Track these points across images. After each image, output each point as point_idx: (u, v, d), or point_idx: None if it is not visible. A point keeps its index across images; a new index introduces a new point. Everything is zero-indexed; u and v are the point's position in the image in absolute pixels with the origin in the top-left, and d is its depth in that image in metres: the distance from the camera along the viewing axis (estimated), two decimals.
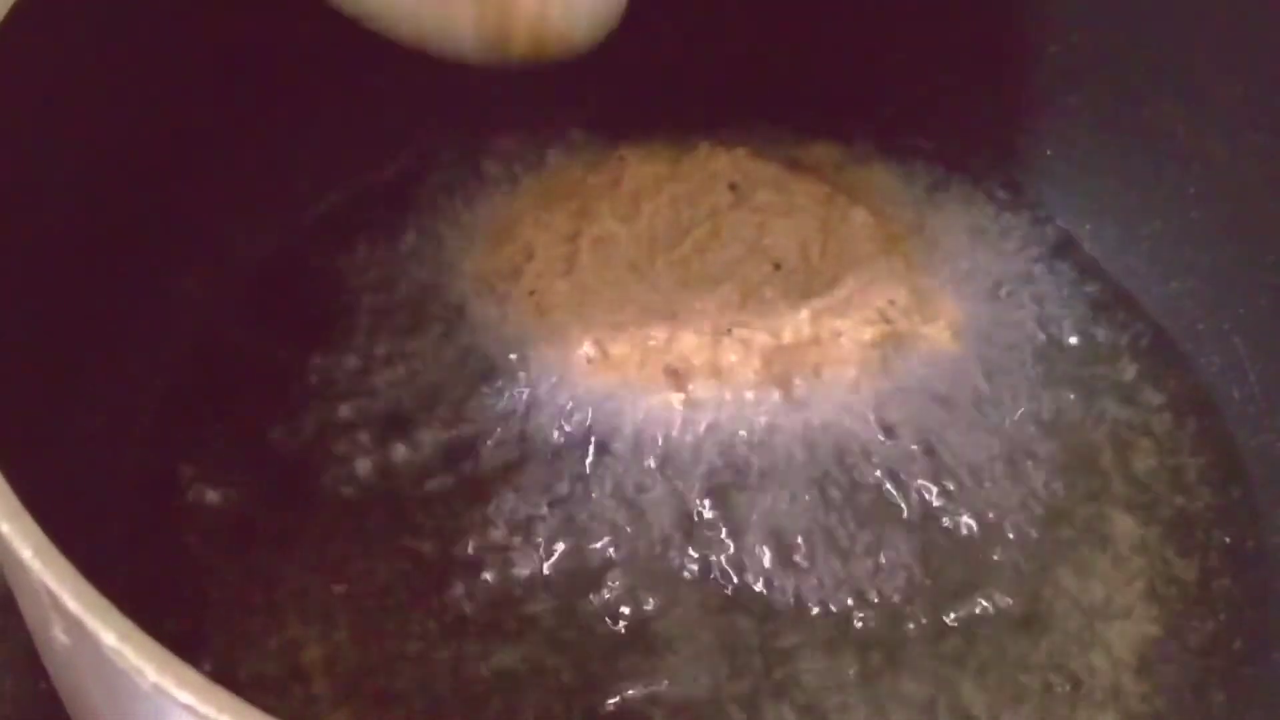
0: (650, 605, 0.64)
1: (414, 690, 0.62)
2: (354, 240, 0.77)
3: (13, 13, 0.55)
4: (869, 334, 0.72)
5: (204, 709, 0.39)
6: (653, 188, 0.76)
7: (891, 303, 0.73)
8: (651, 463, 0.68)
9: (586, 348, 0.70)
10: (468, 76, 0.73)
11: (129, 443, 0.68)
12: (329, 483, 0.68)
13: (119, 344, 0.68)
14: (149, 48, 0.66)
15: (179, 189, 0.68)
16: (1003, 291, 0.77)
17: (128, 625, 0.40)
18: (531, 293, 0.73)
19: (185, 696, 0.39)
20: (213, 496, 0.68)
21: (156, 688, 0.39)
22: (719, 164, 0.78)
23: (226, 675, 0.61)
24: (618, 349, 0.70)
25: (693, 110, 0.83)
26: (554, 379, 0.70)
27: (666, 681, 0.62)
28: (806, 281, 0.74)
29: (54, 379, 0.61)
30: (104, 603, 0.41)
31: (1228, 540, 0.69)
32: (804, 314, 0.72)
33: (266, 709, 0.62)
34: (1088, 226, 0.79)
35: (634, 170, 0.78)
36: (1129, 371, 0.75)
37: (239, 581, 0.65)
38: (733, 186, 0.78)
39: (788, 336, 0.71)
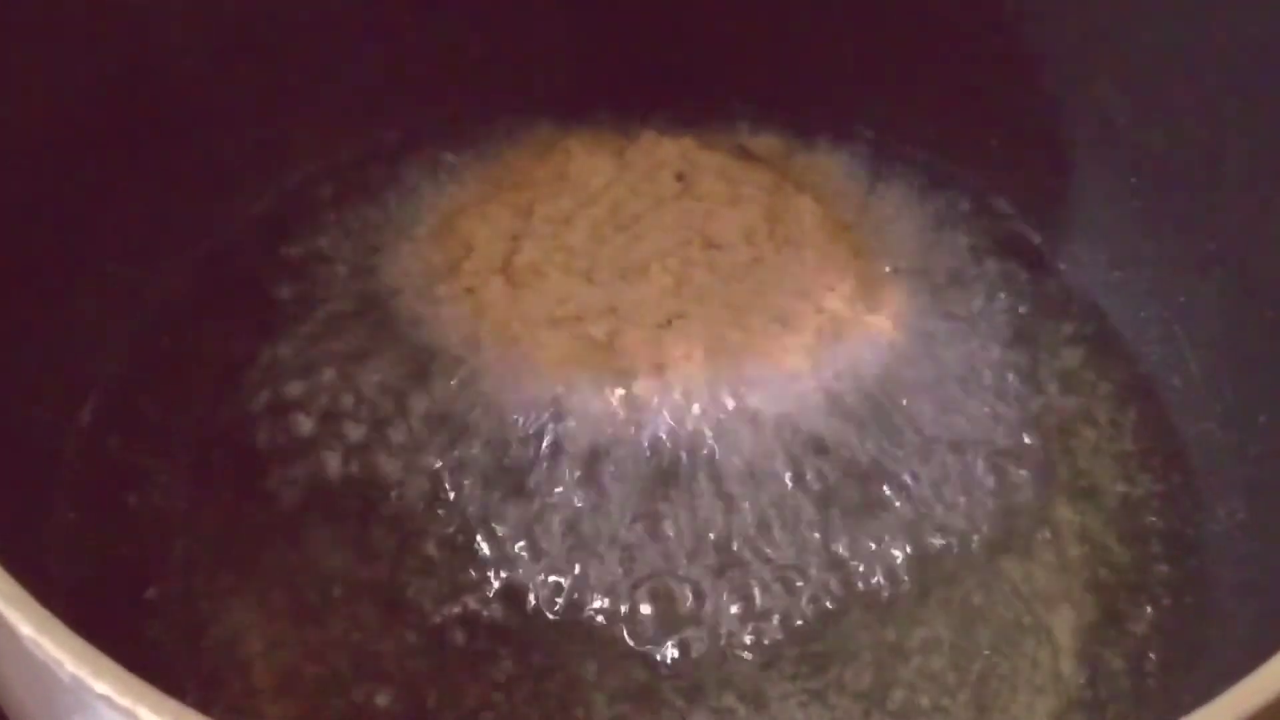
0: (596, 602, 0.65)
1: (355, 681, 0.62)
2: (292, 235, 0.77)
3: None
4: (812, 324, 0.72)
5: (121, 700, 0.39)
6: (598, 179, 0.76)
7: (833, 290, 0.73)
8: (595, 461, 0.68)
9: (525, 346, 0.70)
10: (409, 67, 0.74)
11: (69, 434, 0.68)
12: (271, 475, 0.68)
13: (59, 334, 0.67)
14: (91, 33, 0.66)
15: (117, 181, 0.68)
16: (947, 280, 0.77)
17: (45, 616, 0.40)
18: (469, 290, 0.73)
19: (102, 687, 0.39)
20: (153, 487, 0.67)
21: (75, 679, 0.39)
22: (665, 153, 0.78)
23: (165, 666, 0.62)
24: (558, 347, 0.70)
25: (640, 100, 0.83)
26: (493, 379, 0.70)
27: (608, 670, 0.63)
28: (750, 270, 0.74)
29: None
30: (21, 593, 0.41)
31: (1168, 527, 0.69)
32: (747, 303, 0.72)
33: (205, 701, 0.62)
34: (1032, 216, 0.80)
35: (579, 162, 0.77)
36: (1072, 359, 0.75)
37: (180, 571, 0.65)
38: (679, 176, 0.77)
39: (729, 327, 0.71)
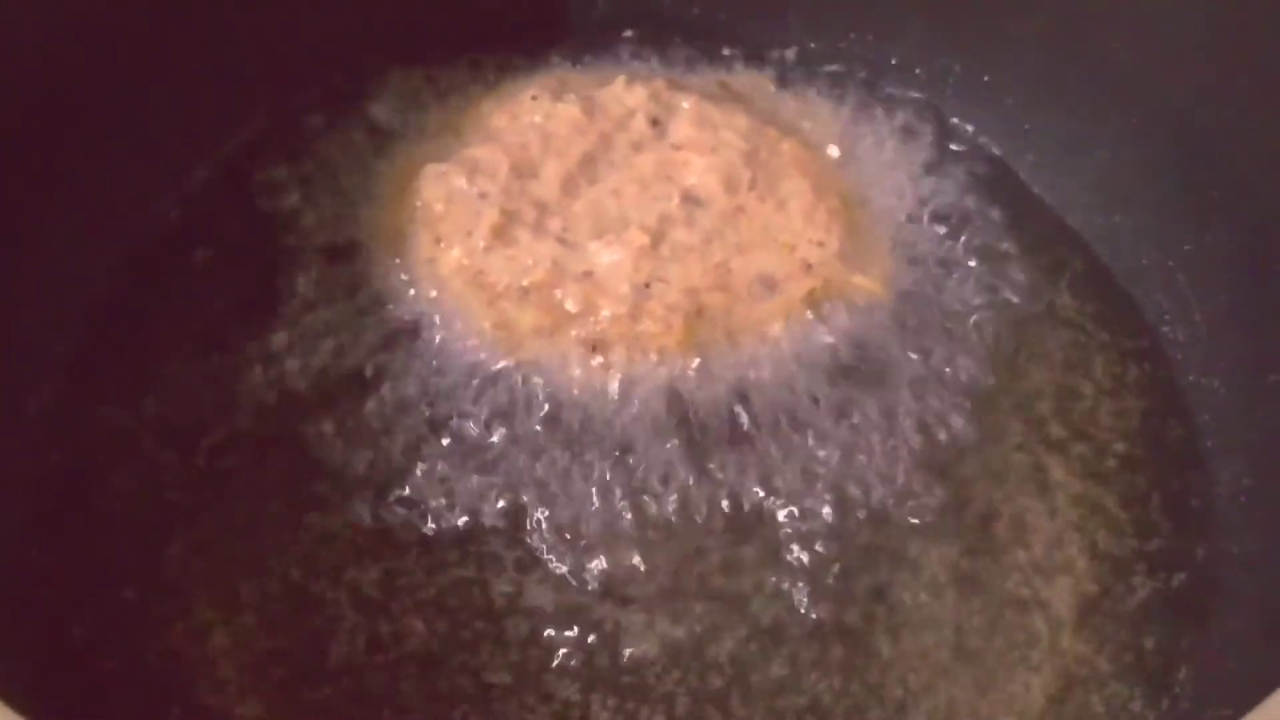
0: (565, 583, 0.62)
1: (325, 676, 0.60)
2: (236, 204, 0.72)
3: None
4: (799, 286, 0.68)
5: None
6: (567, 127, 0.72)
7: (821, 245, 0.70)
8: (564, 438, 0.65)
9: (488, 323, 0.66)
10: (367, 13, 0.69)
11: (22, 425, 0.65)
12: (232, 463, 0.65)
13: (7, 320, 0.63)
14: None
15: (54, 162, 0.64)
16: (940, 227, 0.74)
17: None
18: (430, 260, 0.69)
19: None
20: (115, 477, 0.64)
21: None
22: (637, 98, 0.73)
23: (133, 663, 0.60)
24: (527, 318, 0.66)
25: (614, 35, 0.79)
26: (457, 354, 0.66)
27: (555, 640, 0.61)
28: (732, 223, 0.70)
29: None
30: None
31: (1170, 492, 0.66)
32: (729, 262, 0.68)
33: (174, 698, 0.60)
34: (1029, 157, 0.76)
35: (546, 109, 0.72)
36: (1067, 311, 0.72)
37: (144, 565, 0.62)
38: (654, 121, 0.73)
39: (711, 290, 0.67)
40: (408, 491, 0.64)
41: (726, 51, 0.79)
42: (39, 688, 0.58)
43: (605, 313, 0.66)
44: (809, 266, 0.69)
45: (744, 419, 0.66)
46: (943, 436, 0.67)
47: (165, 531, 0.63)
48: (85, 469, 0.64)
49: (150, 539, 0.63)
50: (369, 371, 0.67)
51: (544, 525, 0.63)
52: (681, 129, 0.72)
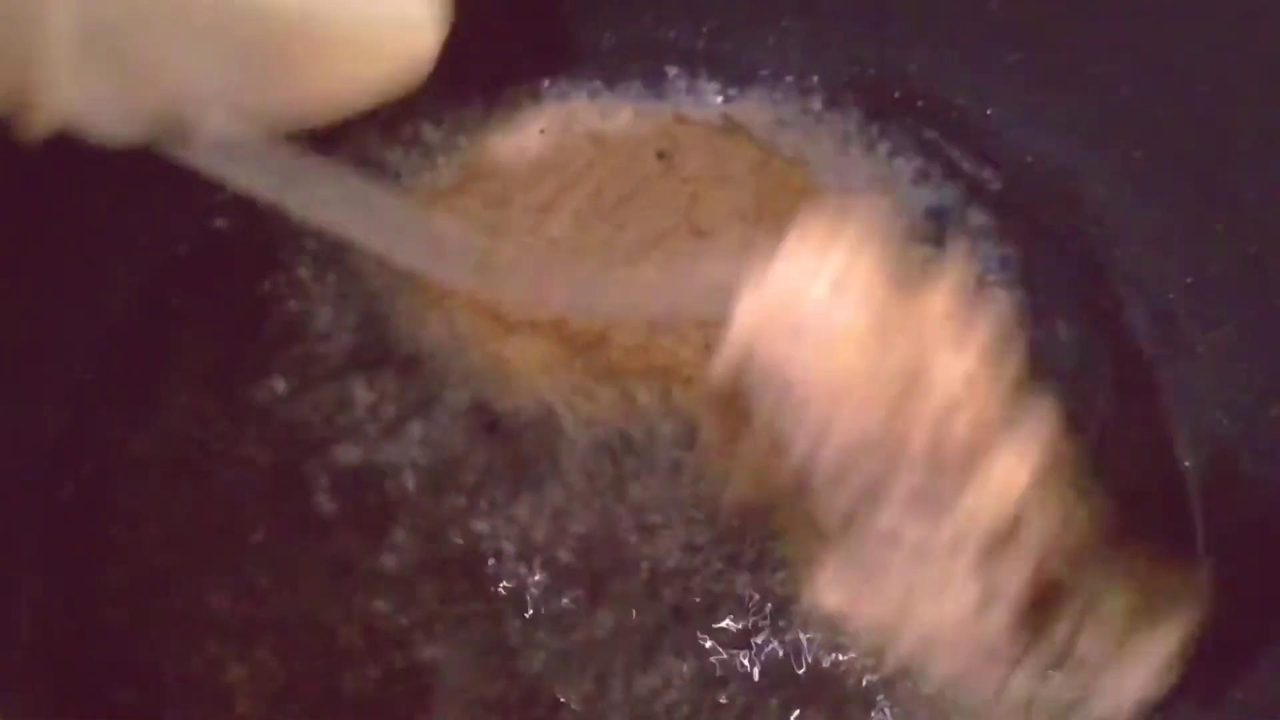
0: (564, 629, 0.63)
1: (340, 708, 0.61)
2: (255, 236, 0.72)
3: None
4: None
5: None
6: (575, 163, 0.72)
7: None
8: (578, 473, 0.65)
9: (508, 352, 0.67)
10: None
11: (35, 456, 0.65)
12: (245, 494, 0.65)
13: (20, 347, 0.64)
14: None
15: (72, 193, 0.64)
16: (945, 260, 0.74)
17: None
18: (442, 293, 0.69)
19: None
20: (128, 511, 0.65)
21: None
22: (644, 130, 0.74)
23: (148, 697, 0.60)
24: (541, 350, 0.67)
25: (615, 69, 0.79)
26: (472, 386, 0.67)
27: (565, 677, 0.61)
28: (741, 256, 0.71)
29: None
30: None
31: (1174, 521, 0.67)
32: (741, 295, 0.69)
33: None
34: (1030, 189, 0.76)
35: (554, 144, 0.73)
36: (1068, 349, 0.72)
37: (156, 601, 0.63)
38: (661, 155, 0.74)
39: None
40: (421, 523, 0.64)
41: (731, 84, 0.80)
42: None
43: (620, 344, 0.67)
44: None
45: None
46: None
47: (180, 562, 0.64)
48: (98, 498, 0.65)
49: (165, 569, 0.63)
50: (381, 403, 0.67)
51: (557, 561, 0.64)
52: (690, 162, 0.73)
